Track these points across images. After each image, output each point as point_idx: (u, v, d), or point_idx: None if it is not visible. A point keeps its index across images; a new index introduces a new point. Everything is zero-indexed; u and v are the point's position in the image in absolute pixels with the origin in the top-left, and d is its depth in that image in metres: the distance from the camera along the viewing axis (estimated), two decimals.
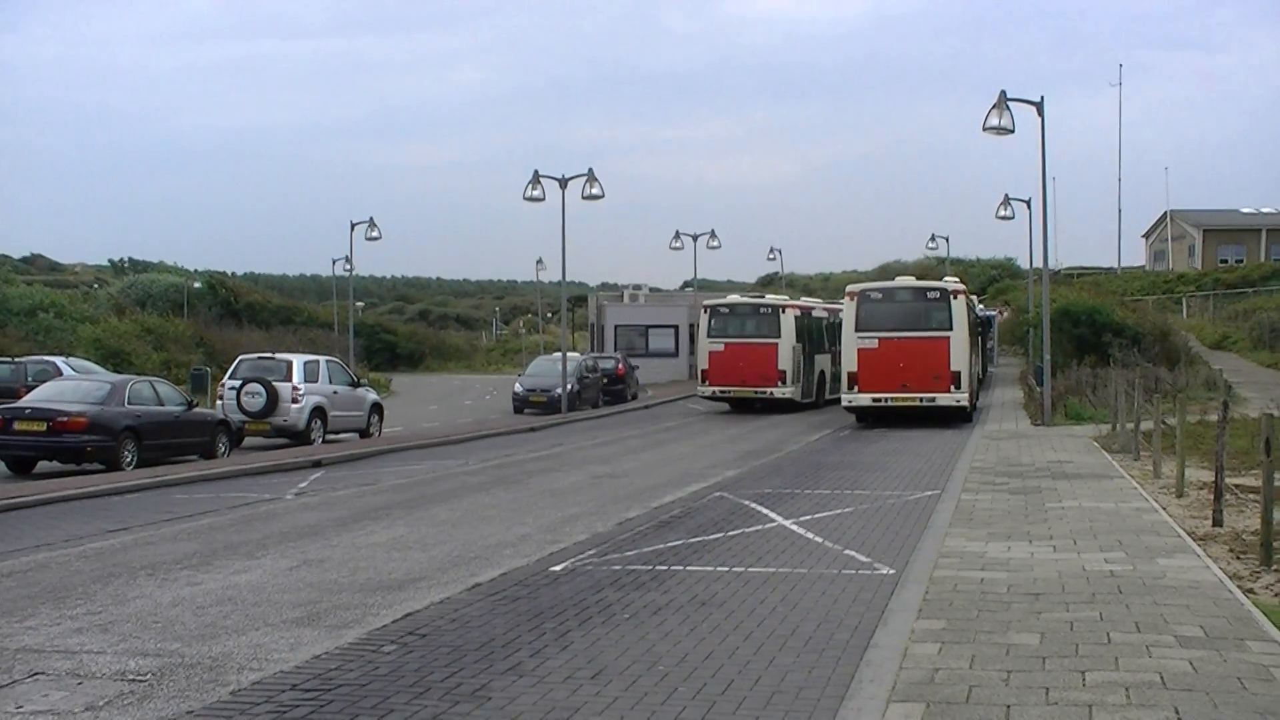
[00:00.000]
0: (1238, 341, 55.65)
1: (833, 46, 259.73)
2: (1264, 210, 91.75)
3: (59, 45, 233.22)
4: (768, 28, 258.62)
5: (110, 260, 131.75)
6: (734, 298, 44.37)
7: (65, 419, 22.90)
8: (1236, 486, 16.84)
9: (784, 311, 41.03)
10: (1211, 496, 14.91)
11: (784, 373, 40.22)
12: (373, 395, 33.91)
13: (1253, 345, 53.80)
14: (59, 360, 35.62)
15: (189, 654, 9.05)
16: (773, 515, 16.05)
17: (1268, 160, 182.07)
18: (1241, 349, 53.97)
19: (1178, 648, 8.47)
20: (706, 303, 43.26)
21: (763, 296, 45.06)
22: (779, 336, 40.30)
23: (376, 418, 33.09)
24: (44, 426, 22.88)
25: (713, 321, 41.20)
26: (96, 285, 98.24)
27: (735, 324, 41.15)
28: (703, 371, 41.40)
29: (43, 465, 23.51)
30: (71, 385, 26.02)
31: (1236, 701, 7.21)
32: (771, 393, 40.20)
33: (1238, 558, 12.31)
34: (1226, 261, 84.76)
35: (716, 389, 41.01)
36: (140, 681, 8.30)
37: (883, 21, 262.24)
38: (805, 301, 48.11)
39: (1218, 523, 14.34)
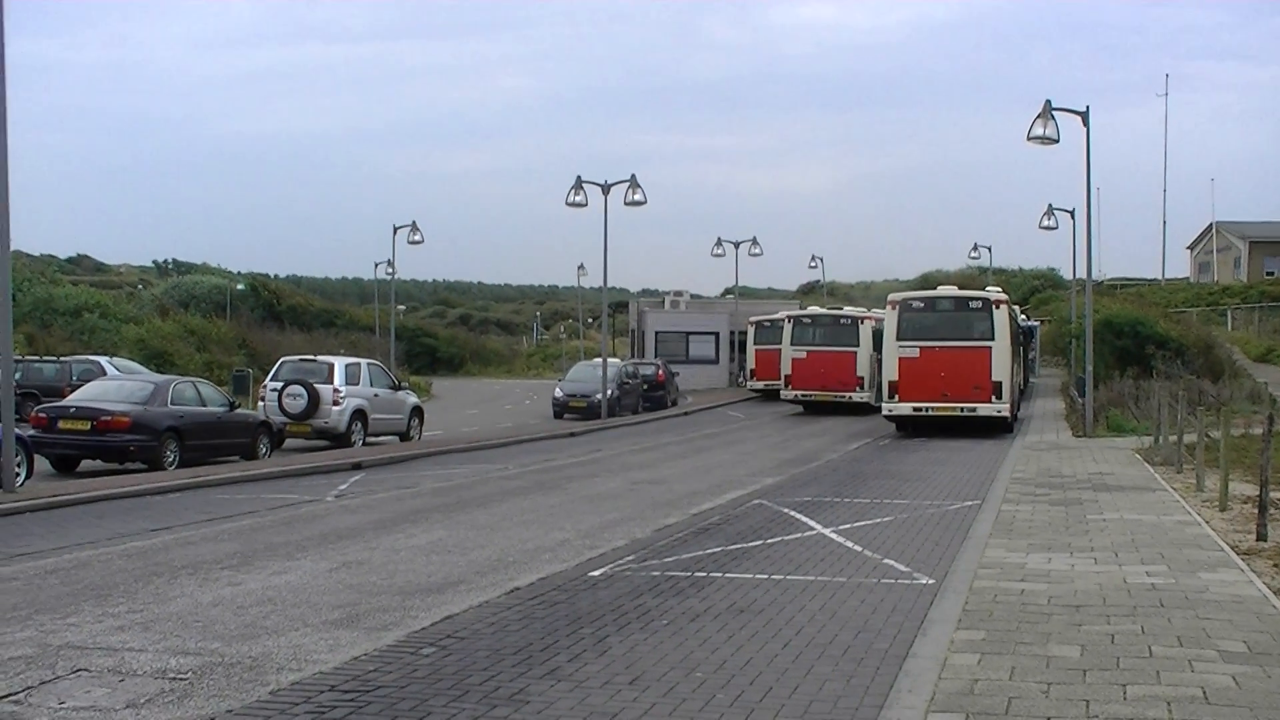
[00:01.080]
0: None
1: (875, 56, 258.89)
2: None
3: (103, 50, 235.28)
4: (810, 36, 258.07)
5: (155, 261, 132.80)
6: (814, 309, 49.30)
7: (109, 418, 23.08)
8: None
9: (862, 322, 44.50)
10: (1255, 510, 14.76)
11: (862, 379, 43.67)
12: (413, 399, 34.01)
13: None
14: (103, 360, 36.01)
15: (229, 653, 9.10)
16: (812, 523, 16.01)
17: None
18: None
19: (1220, 662, 8.40)
20: (789, 314, 47.82)
21: (841, 309, 49.16)
22: (858, 345, 43.81)
23: (416, 421, 33.20)
24: (88, 426, 23.08)
25: (794, 330, 45.07)
26: (141, 286, 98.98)
27: (817, 333, 45.05)
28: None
29: (86, 464, 23.70)
30: (115, 385, 26.25)
31: None
32: (850, 396, 43.68)
33: None
34: (1273, 274, 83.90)
35: (799, 393, 44.58)
36: (180, 680, 8.35)
37: (925, 31, 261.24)
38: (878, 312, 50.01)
39: (1262, 537, 14.20)
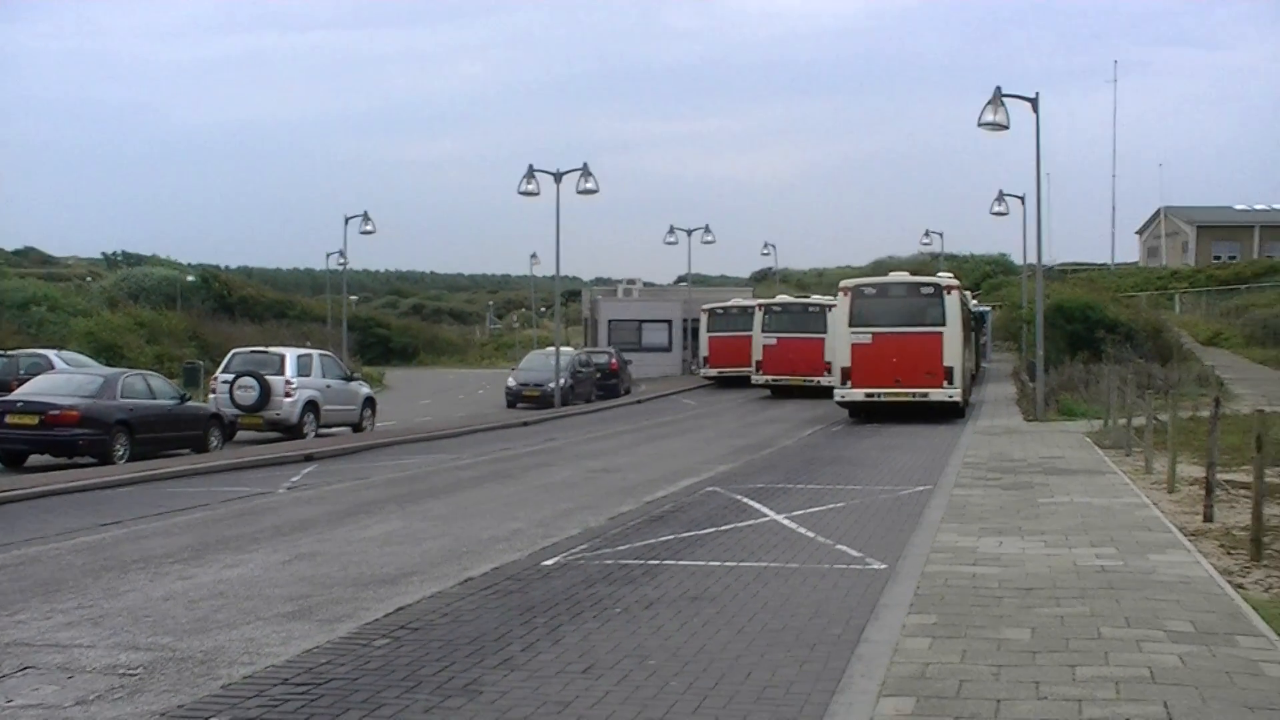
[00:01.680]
0: (1230, 338, 55.76)
1: (832, 43, 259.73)
2: (1257, 207, 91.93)
3: (57, 38, 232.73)
4: (768, 23, 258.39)
5: (104, 254, 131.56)
6: (783, 298, 52.22)
7: (57, 412, 22.89)
8: (1228, 482, 16.90)
9: (830, 310, 44.22)
10: (1203, 492, 14.94)
11: (830, 364, 43.40)
12: (366, 389, 33.93)
13: (1245, 342, 53.92)
14: (51, 354, 35.58)
15: (180, 648, 9.04)
16: (765, 510, 16.07)
17: (1262, 158, 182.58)
18: (1234, 346, 54.08)
19: (1168, 643, 8.49)
20: (760, 302, 50.52)
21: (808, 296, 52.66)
22: (826, 332, 44.03)
23: (369, 412, 33.13)
24: (36, 420, 22.87)
25: (766, 318, 47.18)
26: (90, 279, 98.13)
27: (787, 320, 47.10)
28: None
29: (34, 459, 23.48)
30: (64, 379, 26.04)
31: (1226, 696, 7.23)
32: (819, 381, 44.34)
33: (1228, 553, 12.34)
34: (1220, 258, 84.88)
35: (770, 378, 46.79)
36: (131, 675, 8.30)
37: (882, 18, 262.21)
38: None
39: (1209, 518, 14.37)
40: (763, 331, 47.17)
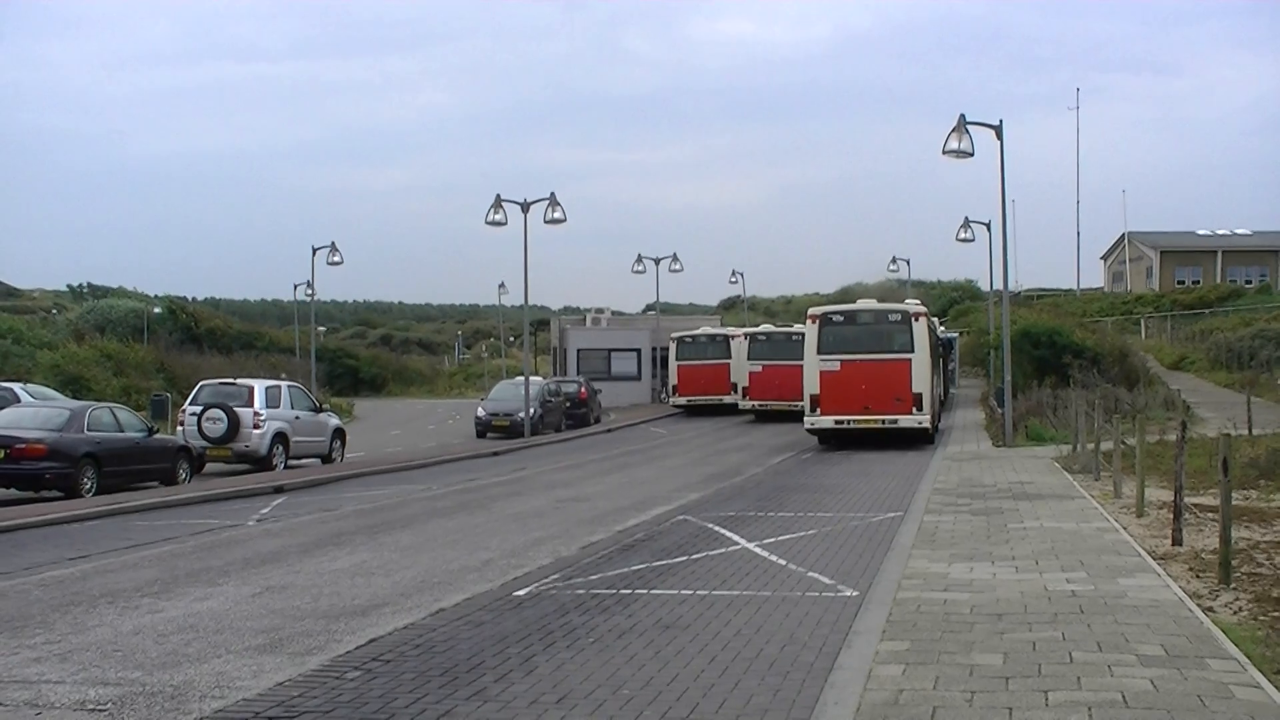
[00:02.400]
0: (1195, 362, 56.17)
1: (795, 70, 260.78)
2: (1220, 232, 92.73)
3: (14, 68, 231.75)
4: (730, 51, 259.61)
5: (69, 285, 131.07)
6: (767, 327, 54.39)
7: (23, 446, 22.74)
8: (1195, 506, 16.99)
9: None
10: (1171, 516, 15.02)
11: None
12: (335, 420, 33.86)
13: (1210, 365, 54.34)
14: (16, 387, 35.24)
15: (150, 682, 8.98)
16: (736, 538, 16.07)
17: (1224, 182, 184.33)
18: (1199, 369, 54.49)
19: (1139, 666, 8.53)
20: (746, 332, 53.40)
21: (790, 326, 53.32)
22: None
23: (339, 443, 33.06)
24: (1, 454, 22.70)
25: (751, 347, 49.77)
26: (55, 310, 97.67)
27: (771, 349, 49.01)
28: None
29: (0, 493, 23.29)
30: (30, 412, 25.86)
31: (1198, 719, 7.27)
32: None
33: (1197, 576, 12.40)
34: (1184, 283, 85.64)
35: (756, 403, 49.07)
36: (100, 711, 8.23)
37: (845, 46, 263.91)
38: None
39: (1177, 542, 14.45)
40: (748, 359, 49.45)
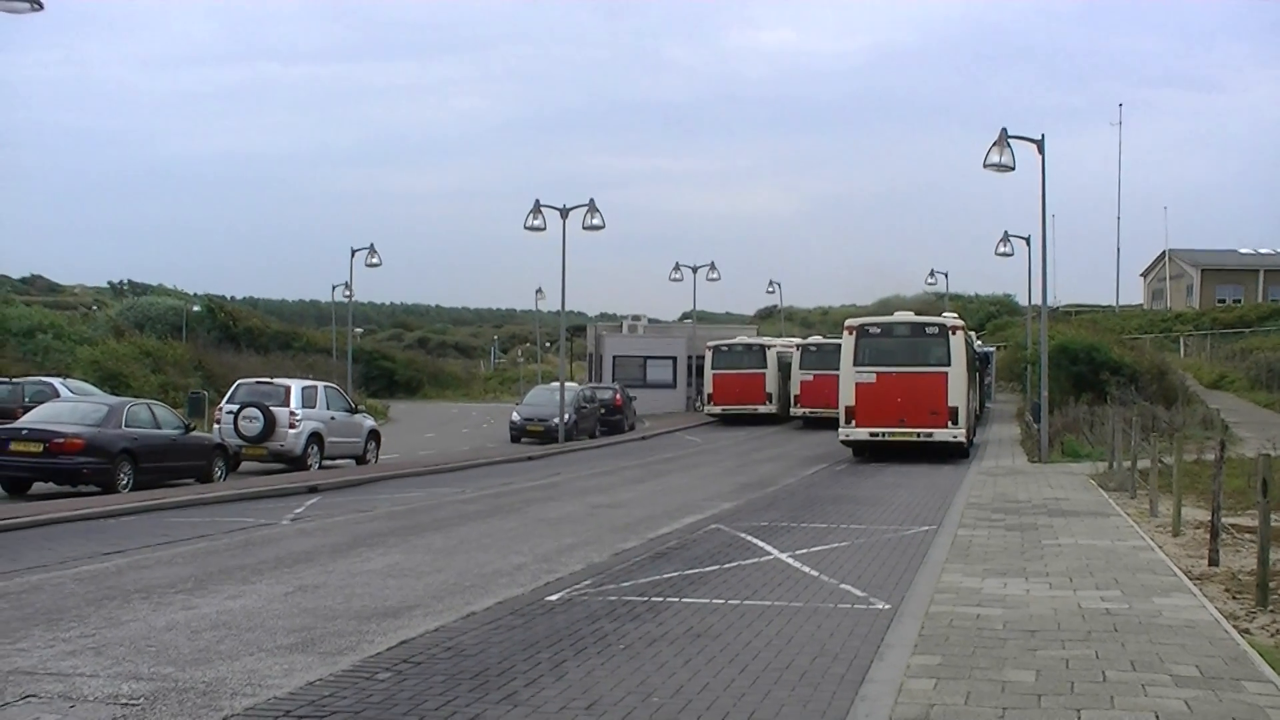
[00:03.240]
0: (1235, 381, 55.71)
1: (835, 81, 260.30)
2: (1261, 251, 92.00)
3: (61, 67, 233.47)
4: (771, 61, 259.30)
5: (109, 282, 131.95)
6: (817, 339, 55.67)
7: (62, 440, 22.87)
8: (1233, 526, 16.84)
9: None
10: (1208, 536, 14.90)
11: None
12: (370, 422, 33.94)
13: (1250, 385, 53.88)
14: (56, 381, 35.63)
15: (182, 678, 9.02)
16: (768, 548, 16.04)
17: (1266, 201, 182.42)
18: (1238, 389, 54.04)
19: (1173, 687, 8.46)
20: (799, 343, 55.19)
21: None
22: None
23: (373, 444, 33.13)
24: (40, 448, 22.85)
25: (803, 357, 51.33)
26: (95, 307, 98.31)
27: (823, 359, 49.53)
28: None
29: (38, 486, 23.50)
30: (69, 407, 26.04)
31: None
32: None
33: (1234, 598, 12.31)
34: (1224, 301, 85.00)
35: (806, 410, 50.40)
36: (133, 705, 8.27)
37: (885, 57, 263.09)
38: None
39: (1214, 562, 14.33)
40: (800, 369, 51.05)
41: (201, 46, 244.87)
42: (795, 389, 51.50)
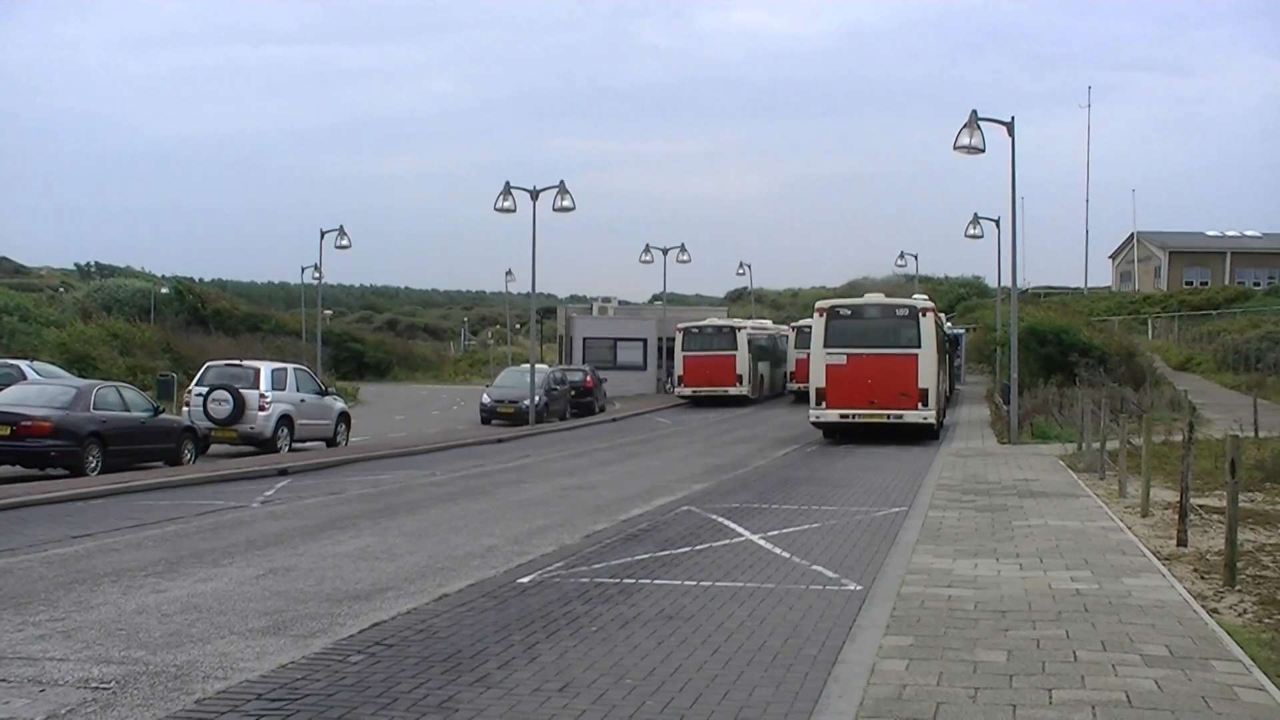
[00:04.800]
0: (1202, 363, 56.10)
1: (807, 63, 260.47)
2: (1228, 233, 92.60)
3: (28, 48, 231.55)
4: (742, 43, 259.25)
5: (77, 264, 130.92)
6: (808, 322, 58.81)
7: (29, 423, 22.72)
8: (1201, 507, 16.96)
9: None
10: (1176, 516, 15.00)
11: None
12: (340, 404, 33.83)
13: (1217, 367, 54.28)
14: (24, 364, 35.30)
15: (154, 662, 8.98)
16: (740, 530, 16.06)
17: (1234, 184, 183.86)
18: (1206, 370, 54.43)
19: (1143, 667, 8.51)
20: (794, 325, 57.40)
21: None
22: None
23: (344, 426, 33.04)
24: (7, 431, 22.69)
25: (799, 338, 52.99)
26: (63, 289, 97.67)
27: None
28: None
29: (5, 470, 23.31)
30: (36, 390, 25.84)
31: None
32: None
33: (1202, 578, 12.39)
34: (1192, 284, 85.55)
35: (800, 385, 51.03)
36: (104, 689, 8.23)
37: (857, 40, 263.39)
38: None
39: (1182, 543, 14.43)
40: (794, 348, 54.04)
41: (172, 27, 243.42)
42: (790, 365, 55.15)
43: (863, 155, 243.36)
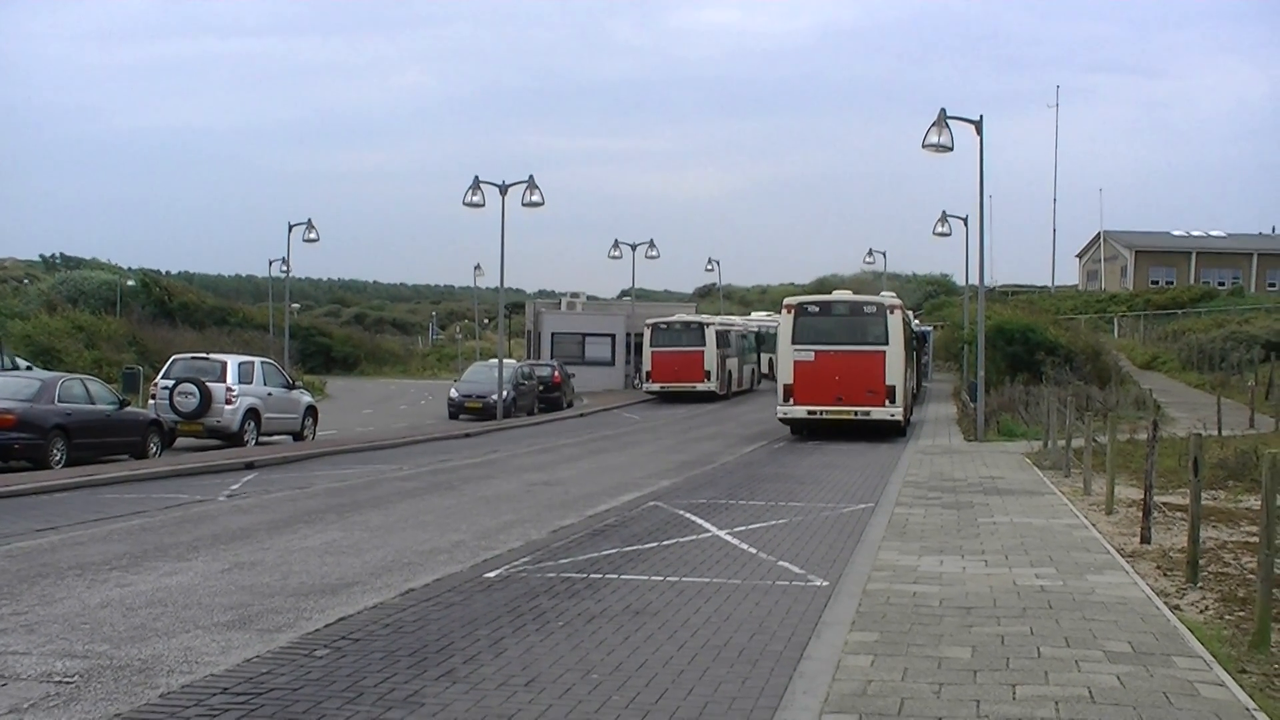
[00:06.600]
0: (1167, 362, 56.45)
1: (778, 62, 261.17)
2: (1194, 233, 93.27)
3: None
4: (714, 41, 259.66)
5: (41, 256, 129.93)
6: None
7: None
8: (1165, 505, 17.10)
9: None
10: (1140, 514, 15.10)
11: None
12: (307, 398, 33.73)
13: (1181, 366, 54.62)
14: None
15: (118, 656, 8.94)
16: (707, 525, 16.09)
17: (1201, 185, 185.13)
18: (1171, 370, 54.77)
19: (1106, 663, 8.57)
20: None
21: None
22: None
23: (311, 420, 32.93)
24: None
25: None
26: (27, 281, 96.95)
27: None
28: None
29: None
30: (0, 381, 25.67)
31: (1162, 716, 7.32)
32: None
33: (1165, 575, 12.48)
34: (1157, 283, 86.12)
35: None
36: (67, 683, 8.19)
37: (828, 39, 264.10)
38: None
39: (1146, 540, 14.53)
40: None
41: (138, 20, 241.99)
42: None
43: (833, 153, 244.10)
